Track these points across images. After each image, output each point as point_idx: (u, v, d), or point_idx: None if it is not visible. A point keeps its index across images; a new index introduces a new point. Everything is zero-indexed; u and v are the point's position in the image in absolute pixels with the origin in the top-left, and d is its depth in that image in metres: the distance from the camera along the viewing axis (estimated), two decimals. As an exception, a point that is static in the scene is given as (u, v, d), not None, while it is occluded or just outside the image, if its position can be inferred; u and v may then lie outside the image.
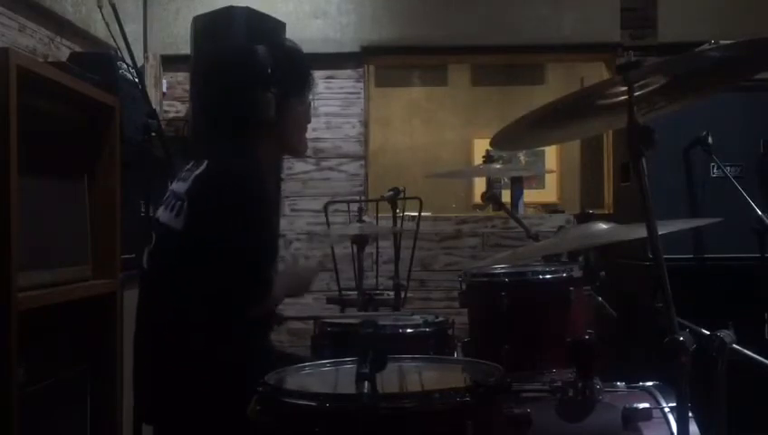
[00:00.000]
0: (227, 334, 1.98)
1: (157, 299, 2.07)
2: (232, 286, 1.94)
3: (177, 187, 2.09)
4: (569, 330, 2.24)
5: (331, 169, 4.47)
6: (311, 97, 2.30)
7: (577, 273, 2.27)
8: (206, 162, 2.07)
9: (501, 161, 2.95)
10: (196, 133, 3.78)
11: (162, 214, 2.09)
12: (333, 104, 4.45)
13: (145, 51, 4.31)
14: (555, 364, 2.21)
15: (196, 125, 3.83)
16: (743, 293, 2.97)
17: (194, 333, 1.95)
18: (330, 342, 2.43)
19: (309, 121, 2.31)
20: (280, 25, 3.86)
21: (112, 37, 3.14)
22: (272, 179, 2.32)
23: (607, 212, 4.28)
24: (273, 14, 3.90)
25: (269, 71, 2.13)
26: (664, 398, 1.93)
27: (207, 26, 3.75)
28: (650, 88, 1.45)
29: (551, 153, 6.48)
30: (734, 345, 1.49)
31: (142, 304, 2.14)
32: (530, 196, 5.18)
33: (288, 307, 4.17)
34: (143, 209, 2.81)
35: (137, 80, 3.14)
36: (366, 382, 1.26)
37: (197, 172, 2.05)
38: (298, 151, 2.36)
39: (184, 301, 1.97)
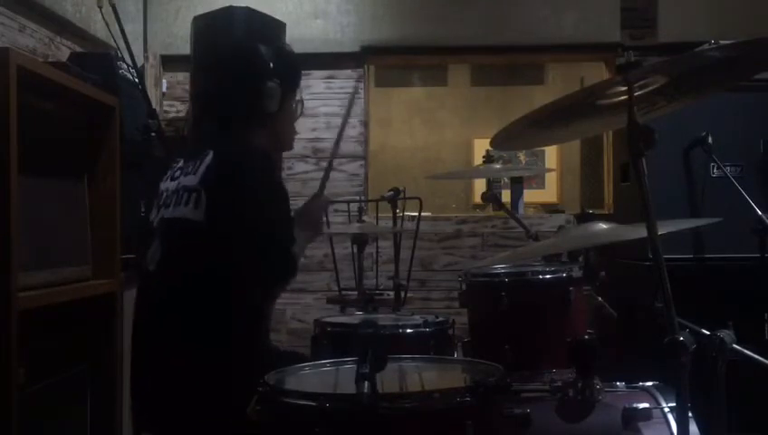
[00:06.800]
0: (248, 324, 2.01)
1: (173, 298, 2.03)
2: (264, 264, 1.99)
3: (187, 181, 2.07)
4: (569, 330, 2.24)
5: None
6: (300, 95, 2.36)
7: (577, 273, 2.27)
8: (210, 152, 2.08)
9: (501, 161, 2.96)
10: (194, 129, 3.78)
11: (171, 211, 2.08)
12: (333, 104, 4.44)
13: (145, 51, 4.30)
14: (555, 364, 2.21)
15: (194, 121, 3.82)
16: (743, 293, 2.96)
17: (215, 327, 1.95)
18: (330, 342, 2.43)
19: (299, 116, 2.37)
20: (280, 25, 3.85)
21: (112, 37, 3.15)
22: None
23: (607, 212, 4.27)
24: (273, 14, 3.90)
25: (271, 65, 2.20)
26: (664, 398, 1.92)
27: (207, 26, 3.75)
28: (650, 88, 1.45)
29: (551, 153, 6.48)
30: (734, 345, 1.49)
31: (150, 307, 2.10)
32: (530, 196, 5.17)
33: (288, 307, 4.23)
34: (143, 209, 2.81)
35: (137, 80, 3.14)
36: (366, 382, 1.26)
37: (207, 162, 2.06)
38: (286, 147, 2.42)
39: (211, 292, 1.96)
